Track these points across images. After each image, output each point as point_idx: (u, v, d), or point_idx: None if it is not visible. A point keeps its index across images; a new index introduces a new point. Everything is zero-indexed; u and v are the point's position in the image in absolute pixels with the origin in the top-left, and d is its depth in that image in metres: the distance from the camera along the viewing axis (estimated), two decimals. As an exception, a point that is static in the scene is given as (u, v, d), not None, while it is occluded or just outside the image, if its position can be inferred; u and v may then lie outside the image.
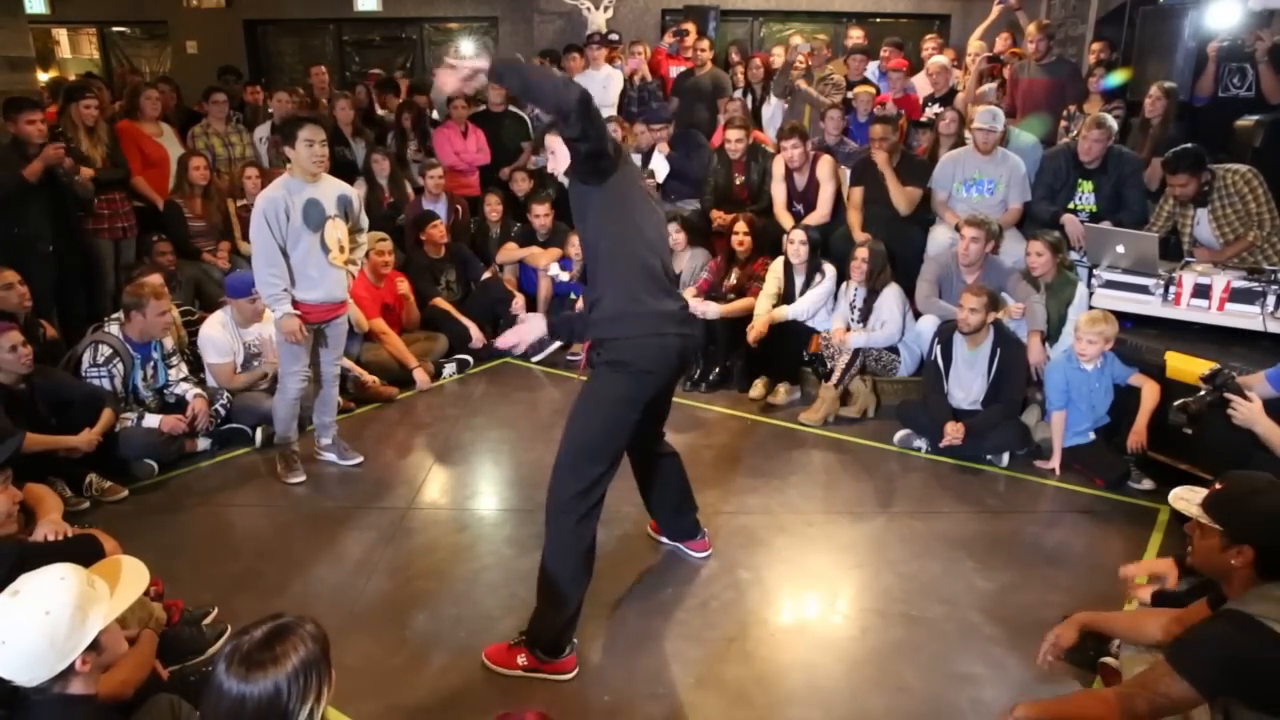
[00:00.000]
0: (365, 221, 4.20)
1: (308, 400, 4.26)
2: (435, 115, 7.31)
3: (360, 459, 4.31)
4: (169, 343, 4.36)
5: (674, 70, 7.58)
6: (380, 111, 7.57)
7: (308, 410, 4.30)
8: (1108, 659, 2.62)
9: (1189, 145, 4.57)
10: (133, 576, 1.99)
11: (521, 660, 2.79)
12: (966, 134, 5.65)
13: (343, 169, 6.50)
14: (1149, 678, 1.99)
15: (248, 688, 1.42)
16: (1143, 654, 2.37)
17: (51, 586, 1.79)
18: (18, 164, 4.72)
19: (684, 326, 2.85)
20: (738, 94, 7.11)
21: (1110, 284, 4.51)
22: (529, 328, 3.10)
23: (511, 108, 7.15)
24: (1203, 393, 3.05)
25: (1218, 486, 2.13)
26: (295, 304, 3.86)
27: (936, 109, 6.50)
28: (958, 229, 4.95)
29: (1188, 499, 2.17)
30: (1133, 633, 2.45)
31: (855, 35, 7.97)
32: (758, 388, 5.12)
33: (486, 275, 6.04)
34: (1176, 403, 3.55)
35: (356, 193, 4.13)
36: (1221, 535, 2.04)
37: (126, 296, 4.18)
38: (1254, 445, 3.38)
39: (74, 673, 1.78)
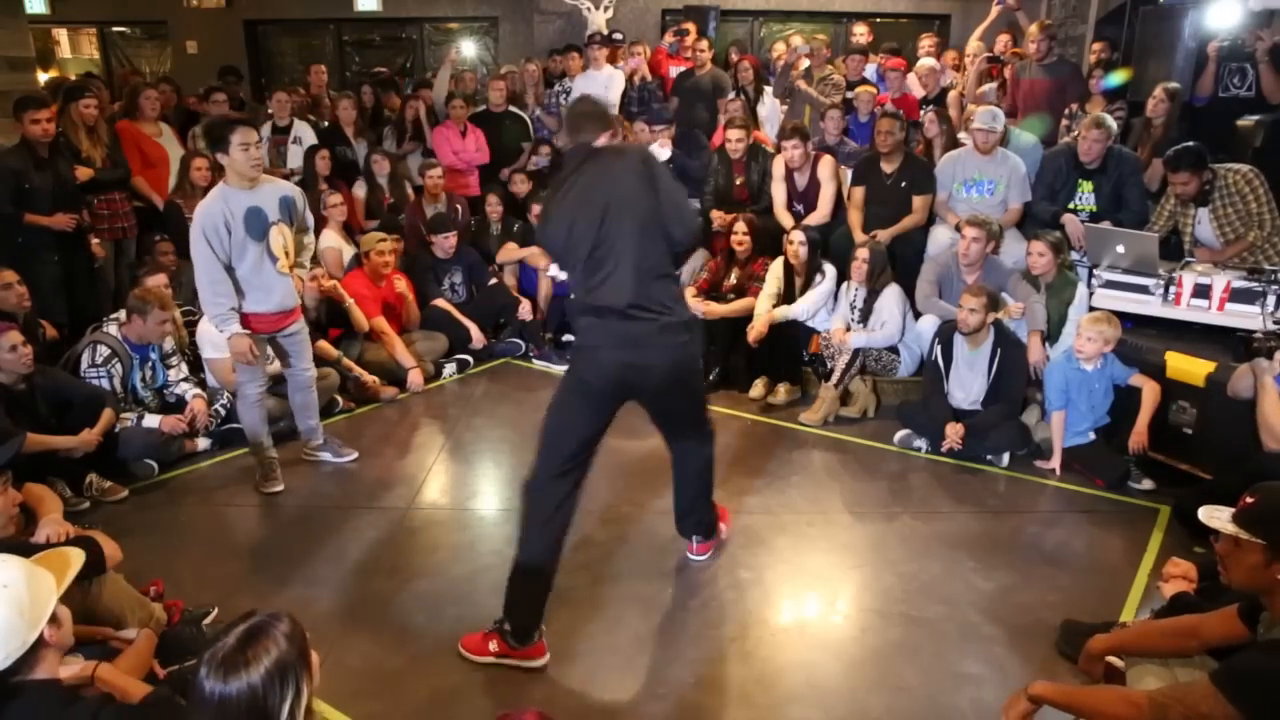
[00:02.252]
0: (310, 221, 4.06)
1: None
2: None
3: (355, 455, 4.31)
4: (169, 343, 4.36)
5: (674, 70, 7.59)
6: (387, 113, 7.57)
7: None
8: (1111, 657, 2.61)
9: (1190, 143, 4.57)
10: (67, 559, 2.08)
11: (493, 647, 2.80)
12: (962, 135, 5.64)
13: (344, 169, 6.52)
14: (1189, 694, 1.93)
15: (227, 689, 1.45)
16: (1150, 662, 2.35)
17: None
18: (29, 172, 4.72)
19: (630, 352, 2.75)
20: (732, 95, 7.11)
21: (1110, 284, 4.51)
22: None
23: (512, 108, 7.16)
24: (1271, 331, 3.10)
25: (1249, 500, 2.05)
26: (247, 318, 3.75)
27: (930, 110, 6.51)
28: (958, 229, 4.95)
29: (1219, 517, 2.09)
30: (1142, 648, 2.39)
31: (859, 32, 7.96)
32: (758, 388, 5.12)
33: (493, 281, 6.02)
34: (1241, 332, 3.56)
35: (299, 192, 3.97)
36: (1265, 550, 1.98)
37: (132, 299, 4.19)
38: (1252, 444, 3.40)
39: (42, 646, 1.83)
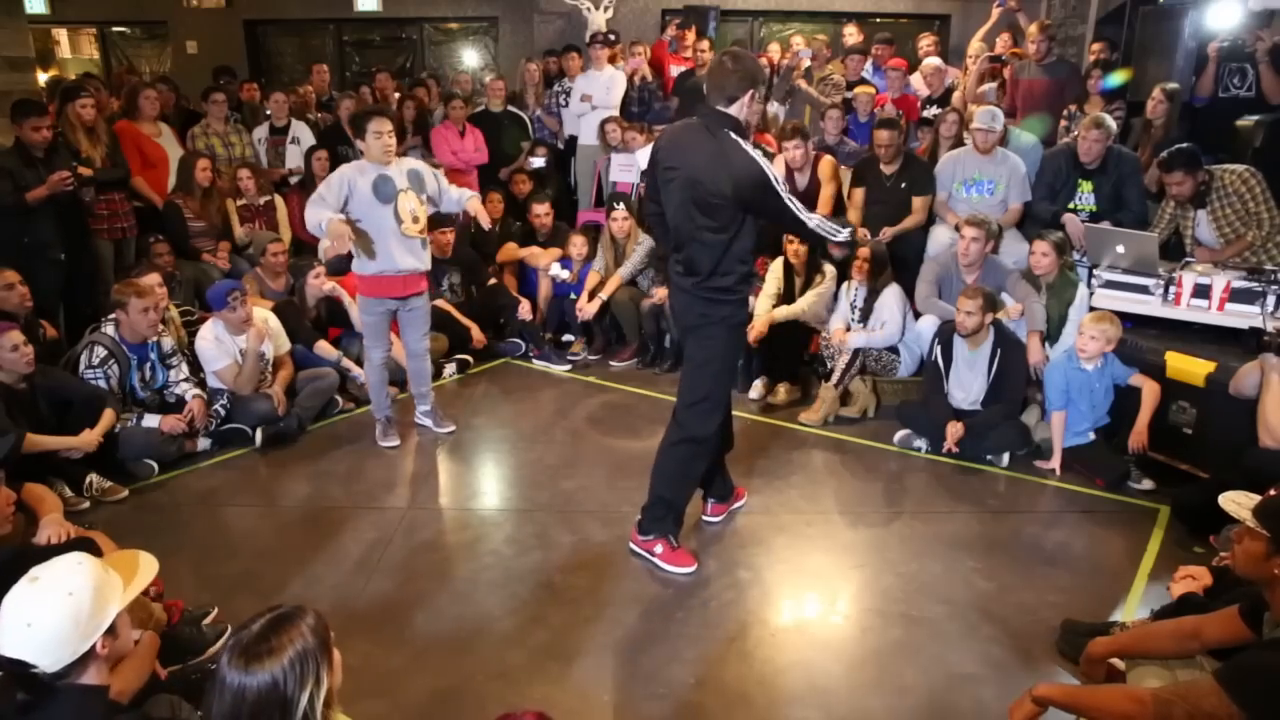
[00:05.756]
0: (442, 187, 4.36)
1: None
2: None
3: (453, 428, 4.65)
4: (167, 343, 4.35)
5: (675, 69, 7.58)
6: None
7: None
8: (1113, 659, 2.60)
9: (1185, 144, 4.60)
10: (144, 567, 2.07)
11: (659, 549, 3.35)
12: (966, 135, 5.65)
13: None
14: (1192, 691, 1.93)
15: (247, 679, 1.46)
16: (1150, 663, 2.35)
17: (71, 570, 1.83)
18: (22, 171, 4.72)
19: None
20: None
21: (1110, 284, 4.50)
22: None
23: (511, 108, 7.15)
24: None
25: (1272, 493, 2.08)
26: (374, 278, 4.20)
27: (935, 110, 6.51)
28: (958, 229, 4.96)
29: (1240, 503, 2.13)
30: (1143, 650, 2.38)
31: (850, 31, 7.98)
32: (757, 388, 5.12)
33: (492, 281, 6.01)
34: (1250, 326, 3.60)
35: (426, 166, 4.42)
36: (1268, 542, 2.00)
37: (112, 295, 4.20)
38: (1250, 443, 3.40)
39: (92, 657, 1.81)
